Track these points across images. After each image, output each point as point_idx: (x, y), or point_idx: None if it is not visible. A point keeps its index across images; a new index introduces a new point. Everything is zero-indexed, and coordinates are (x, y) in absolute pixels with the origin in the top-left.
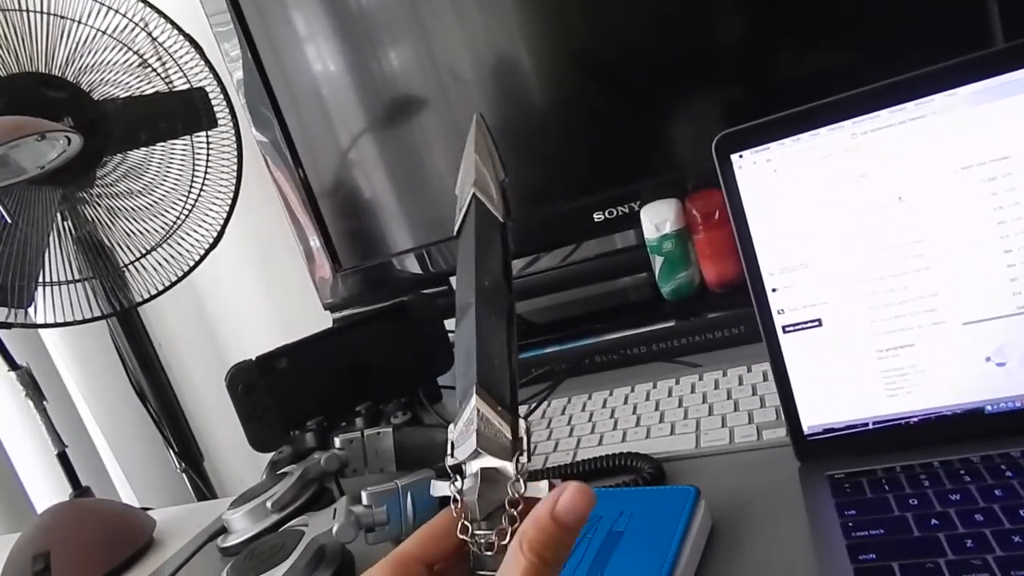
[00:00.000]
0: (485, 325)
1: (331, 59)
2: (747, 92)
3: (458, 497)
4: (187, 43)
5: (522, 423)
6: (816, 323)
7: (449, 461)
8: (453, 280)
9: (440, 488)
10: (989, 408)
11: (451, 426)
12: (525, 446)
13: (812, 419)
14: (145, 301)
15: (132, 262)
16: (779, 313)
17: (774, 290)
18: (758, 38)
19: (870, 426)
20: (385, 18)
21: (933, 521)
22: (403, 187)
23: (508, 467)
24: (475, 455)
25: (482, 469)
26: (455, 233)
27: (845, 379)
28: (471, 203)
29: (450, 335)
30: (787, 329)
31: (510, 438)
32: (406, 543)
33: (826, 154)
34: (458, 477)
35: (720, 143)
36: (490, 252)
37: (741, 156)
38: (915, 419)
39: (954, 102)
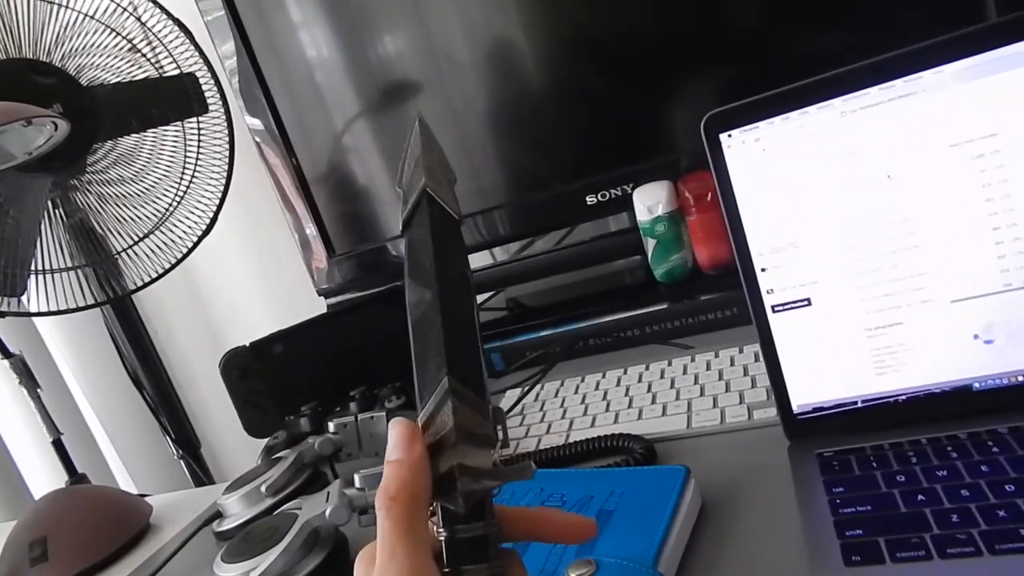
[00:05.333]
0: (452, 317)
1: (324, 43)
2: (740, 73)
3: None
4: (176, 28)
5: (491, 409)
6: (805, 302)
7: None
8: None
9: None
10: (977, 385)
11: (419, 416)
12: (500, 433)
13: (801, 398)
14: (139, 288)
15: (125, 249)
16: (768, 293)
17: (763, 270)
18: (751, 19)
19: (859, 404)
20: (379, 0)
21: (920, 497)
22: (397, 172)
23: (484, 456)
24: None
25: (459, 464)
26: (401, 228)
27: (834, 358)
28: (422, 200)
29: None
30: (776, 309)
31: (486, 426)
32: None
33: (815, 133)
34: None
35: (709, 123)
36: (451, 249)
37: (730, 136)
38: (903, 397)
39: (943, 79)
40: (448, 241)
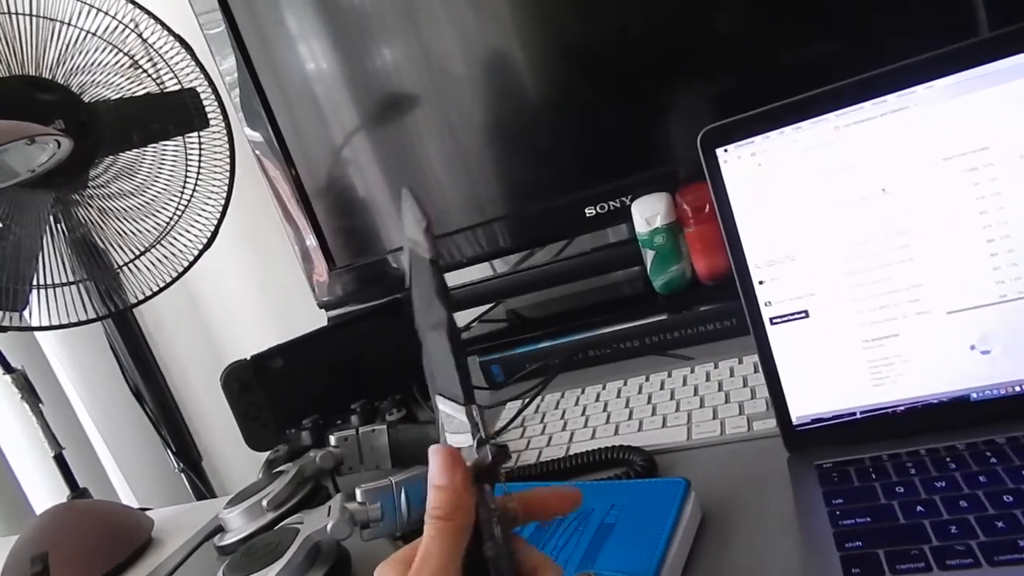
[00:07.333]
0: (432, 344)
1: (322, 57)
2: (737, 86)
3: None
4: (177, 44)
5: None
6: (803, 315)
7: None
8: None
9: None
10: (974, 396)
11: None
12: (481, 429)
13: (800, 409)
14: (140, 302)
15: (127, 263)
16: (766, 305)
17: (761, 283)
18: (747, 32)
19: (857, 415)
20: (377, 15)
21: (918, 508)
22: (396, 184)
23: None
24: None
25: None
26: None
27: (832, 369)
28: (409, 261)
29: None
30: (774, 321)
31: (468, 423)
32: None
33: (809, 147)
34: None
35: (705, 138)
36: (425, 282)
37: (726, 150)
38: (901, 408)
39: (935, 94)
40: (423, 279)
